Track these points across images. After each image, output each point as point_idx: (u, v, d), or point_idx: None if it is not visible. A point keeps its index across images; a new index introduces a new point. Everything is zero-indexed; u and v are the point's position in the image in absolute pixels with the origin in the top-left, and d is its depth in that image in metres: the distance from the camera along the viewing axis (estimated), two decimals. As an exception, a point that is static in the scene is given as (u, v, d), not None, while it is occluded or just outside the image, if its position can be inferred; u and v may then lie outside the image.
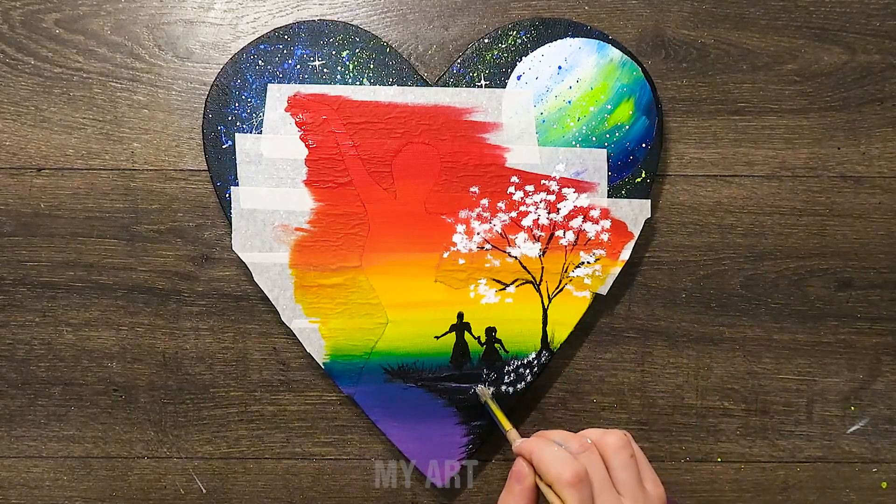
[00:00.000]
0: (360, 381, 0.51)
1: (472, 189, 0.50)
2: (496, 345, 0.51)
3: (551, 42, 0.50)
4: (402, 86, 0.50)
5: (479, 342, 0.51)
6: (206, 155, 0.50)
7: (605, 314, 0.53)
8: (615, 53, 0.50)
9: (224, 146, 0.50)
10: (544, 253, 0.51)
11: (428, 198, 0.51)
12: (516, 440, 0.43)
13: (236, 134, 0.50)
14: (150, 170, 0.52)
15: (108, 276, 0.52)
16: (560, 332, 0.51)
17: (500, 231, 0.51)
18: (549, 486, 0.40)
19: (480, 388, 0.51)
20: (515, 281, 0.51)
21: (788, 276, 0.53)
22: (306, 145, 0.50)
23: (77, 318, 0.52)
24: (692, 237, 0.53)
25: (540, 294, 0.51)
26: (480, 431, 0.51)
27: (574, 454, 0.41)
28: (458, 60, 0.50)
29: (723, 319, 0.53)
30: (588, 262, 0.51)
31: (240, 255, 0.50)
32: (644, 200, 0.51)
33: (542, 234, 0.51)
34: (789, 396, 0.53)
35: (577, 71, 0.50)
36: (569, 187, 0.51)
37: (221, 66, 0.50)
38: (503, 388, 0.51)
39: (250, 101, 0.50)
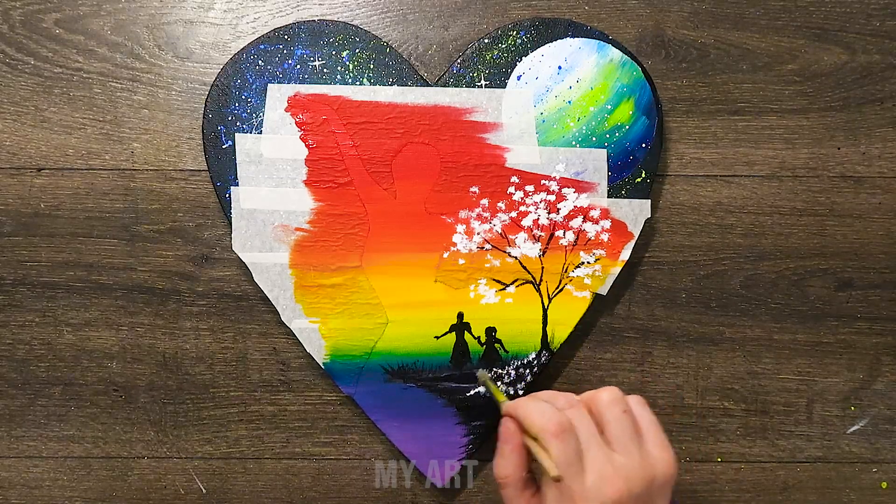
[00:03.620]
0: (360, 381, 0.51)
1: (472, 189, 0.51)
2: (496, 345, 0.51)
3: (551, 42, 0.50)
4: (402, 86, 0.50)
5: (479, 342, 0.51)
6: (206, 155, 0.50)
7: (605, 314, 0.53)
8: (615, 53, 0.50)
9: (224, 146, 0.50)
10: (544, 253, 0.51)
11: (428, 198, 0.51)
12: (504, 403, 0.43)
13: (236, 134, 0.50)
14: (150, 170, 0.52)
15: (108, 276, 0.52)
16: (560, 332, 0.51)
17: (500, 231, 0.51)
18: (535, 441, 0.39)
19: (481, 371, 0.50)
20: (515, 281, 0.51)
21: (788, 276, 0.53)
22: (306, 145, 0.50)
23: (77, 318, 0.52)
24: (692, 237, 0.53)
25: (540, 294, 0.51)
26: (480, 431, 0.51)
27: (560, 409, 0.40)
28: (458, 60, 0.50)
29: (723, 319, 0.53)
30: (588, 262, 0.51)
31: (240, 255, 0.50)
32: (644, 200, 0.51)
33: (542, 234, 0.51)
34: (789, 396, 0.53)
35: (577, 71, 0.50)
36: (569, 187, 0.51)
37: (221, 66, 0.50)
38: (503, 388, 0.51)
39: (250, 101, 0.50)
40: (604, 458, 0.38)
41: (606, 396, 0.40)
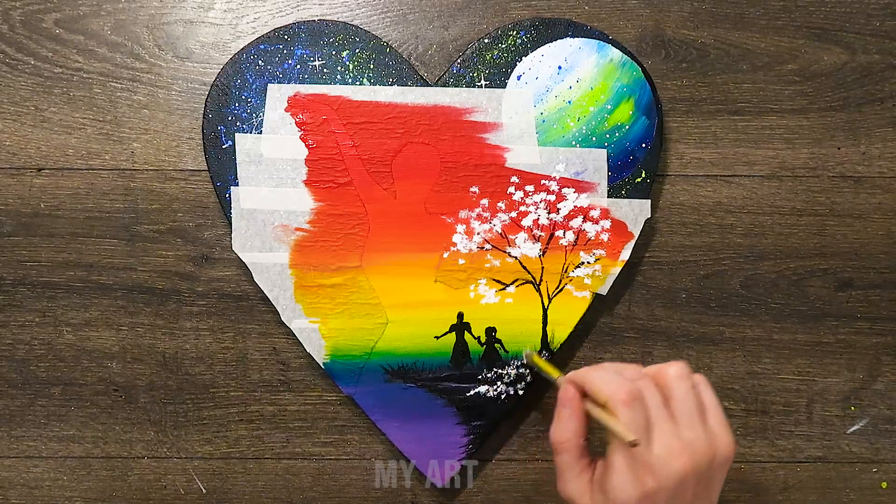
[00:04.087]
0: (360, 381, 0.51)
1: (472, 189, 0.51)
2: (496, 345, 0.51)
3: (551, 42, 0.50)
4: (402, 86, 0.50)
5: (479, 342, 0.51)
6: (206, 155, 0.50)
7: (605, 314, 0.53)
8: (615, 53, 0.50)
9: (224, 146, 0.50)
10: (544, 253, 0.51)
11: (428, 198, 0.51)
12: (565, 375, 0.42)
13: (236, 134, 0.50)
14: (150, 170, 0.52)
15: (108, 276, 0.52)
16: (560, 332, 0.51)
17: (500, 231, 0.51)
18: (602, 409, 0.39)
19: (527, 351, 0.50)
20: (515, 281, 0.51)
21: (788, 276, 0.53)
22: (306, 145, 0.50)
23: (77, 318, 0.52)
24: (692, 237, 0.53)
25: (540, 294, 0.51)
26: (480, 431, 0.51)
27: (628, 380, 0.39)
28: (458, 60, 0.50)
29: (723, 319, 0.53)
30: (588, 262, 0.51)
31: (240, 255, 0.50)
32: (644, 200, 0.51)
33: (542, 234, 0.51)
34: (789, 396, 0.53)
35: (577, 71, 0.50)
36: (569, 187, 0.51)
37: (221, 66, 0.50)
38: (503, 387, 0.51)
39: (250, 101, 0.50)
40: (671, 431, 0.38)
41: (674, 371, 0.40)
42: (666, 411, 0.39)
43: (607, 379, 0.39)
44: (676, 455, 0.37)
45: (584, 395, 0.41)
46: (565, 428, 0.41)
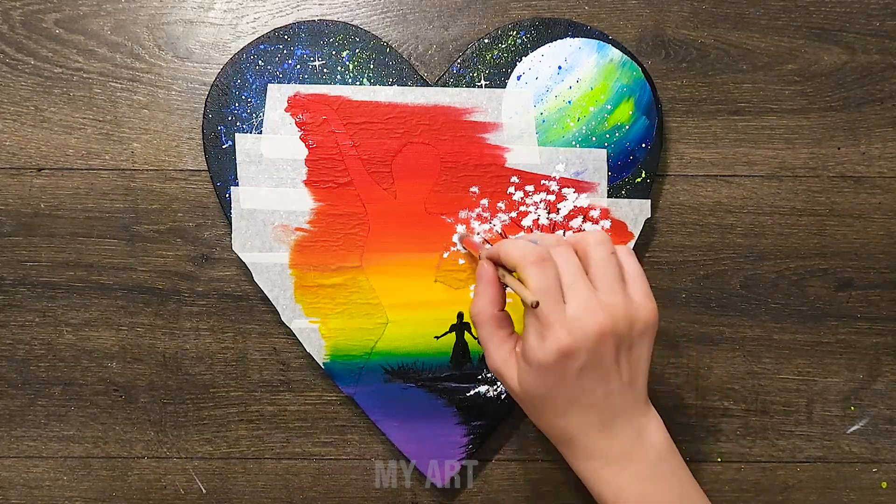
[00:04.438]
0: (360, 381, 0.51)
1: (472, 189, 0.51)
2: (496, 345, 0.51)
3: (551, 42, 0.50)
4: (402, 86, 0.50)
5: (479, 342, 0.51)
6: (206, 155, 0.50)
7: (605, 314, 0.53)
8: (615, 53, 0.50)
9: (224, 146, 0.50)
10: (544, 253, 0.51)
11: (428, 198, 0.51)
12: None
13: (236, 134, 0.50)
14: (150, 170, 0.52)
15: (108, 276, 0.52)
16: (560, 332, 0.51)
17: (500, 231, 0.51)
18: (515, 277, 0.39)
19: (461, 234, 0.50)
20: (515, 281, 0.51)
21: (788, 276, 0.53)
22: (306, 145, 0.50)
23: (77, 318, 0.52)
24: (692, 237, 0.53)
25: (540, 294, 0.51)
26: (480, 431, 0.51)
27: (545, 246, 0.39)
28: (458, 60, 0.50)
29: (723, 319, 0.53)
30: (588, 262, 0.51)
31: (240, 255, 0.50)
32: (644, 200, 0.51)
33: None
34: (789, 396, 0.53)
35: (577, 71, 0.50)
36: (569, 187, 0.51)
37: (221, 66, 0.50)
38: (503, 387, 0.51)
39: (250, 101, 0.50)
40: (587, 293, 0.38)
41: (593, 238, 0.40)
42: (583, 275, 0.38)
43: (518, 244, 0.39)
44: (592, 314, 0.37)
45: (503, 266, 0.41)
46: (479, 300, 0.41)
